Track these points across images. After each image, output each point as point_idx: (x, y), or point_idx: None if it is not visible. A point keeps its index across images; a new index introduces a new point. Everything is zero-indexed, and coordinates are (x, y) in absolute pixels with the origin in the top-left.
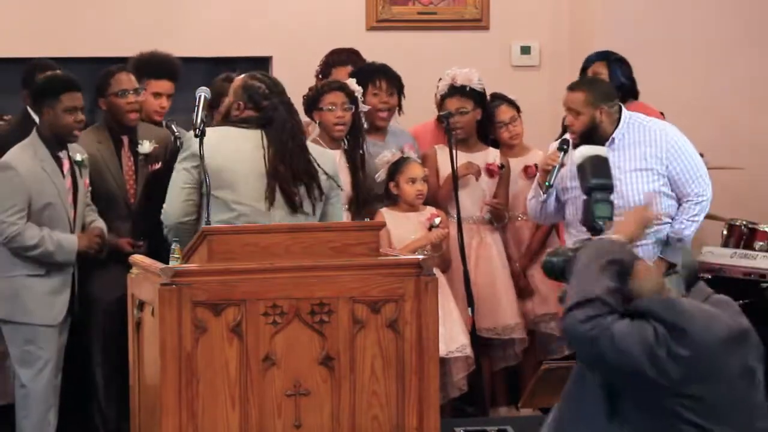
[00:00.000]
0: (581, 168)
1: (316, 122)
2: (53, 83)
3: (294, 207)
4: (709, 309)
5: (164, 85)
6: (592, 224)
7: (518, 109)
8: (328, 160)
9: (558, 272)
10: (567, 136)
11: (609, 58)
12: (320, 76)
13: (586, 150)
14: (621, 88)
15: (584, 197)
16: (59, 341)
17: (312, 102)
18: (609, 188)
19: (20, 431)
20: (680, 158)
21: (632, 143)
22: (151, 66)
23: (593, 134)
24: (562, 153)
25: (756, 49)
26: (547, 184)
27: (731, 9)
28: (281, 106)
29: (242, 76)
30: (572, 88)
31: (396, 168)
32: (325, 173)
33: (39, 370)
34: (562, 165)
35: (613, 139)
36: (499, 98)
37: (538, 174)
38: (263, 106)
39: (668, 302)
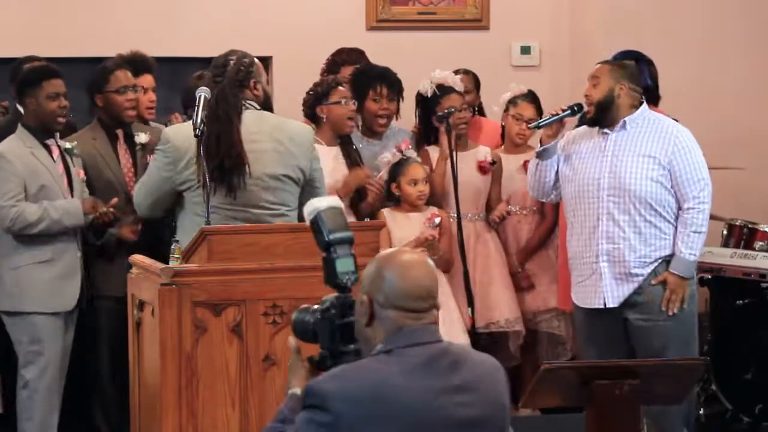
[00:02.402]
0: (315, 222)
1: (323, 118)
2: (33, 72)
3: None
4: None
5: (147, 80)
6: (336, 282)
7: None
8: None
9: (311, 334)
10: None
11: (638, 58)
12: (326, 75)
13: (318, 202)
14: (644, 90)
15: (323, 254)
16: (64, 340)
17: (320, 98)
18: (349, 241)
19: None
20: (685, 156)
21: (641, 132)
22: (131, 65)
23: (608, 109)
24: (569, 111)
25: (756, 49)
26: (538, 122)
27: (731, 8)
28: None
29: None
30: (601, 61)
31: (397, 169)
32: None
33: (42, 369)
34: (561, 122)
35: (625, 122)
36: (532, 96)
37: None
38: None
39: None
